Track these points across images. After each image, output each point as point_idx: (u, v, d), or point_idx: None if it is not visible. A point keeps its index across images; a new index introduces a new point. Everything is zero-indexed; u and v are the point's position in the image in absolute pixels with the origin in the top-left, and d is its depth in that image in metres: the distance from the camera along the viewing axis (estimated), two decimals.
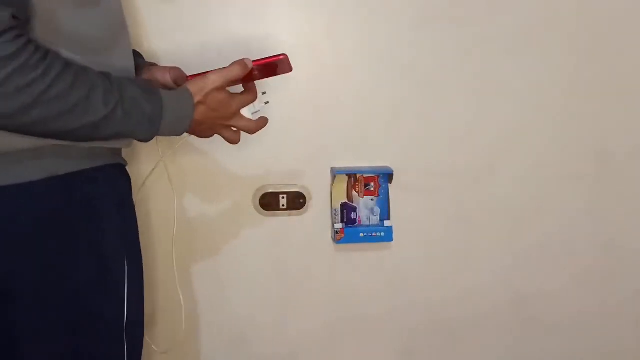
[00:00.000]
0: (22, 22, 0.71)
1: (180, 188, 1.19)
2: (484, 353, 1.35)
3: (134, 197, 0.97)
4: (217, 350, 1.28)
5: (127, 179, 0.95)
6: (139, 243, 0.96)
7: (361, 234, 1.26)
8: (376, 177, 1.26)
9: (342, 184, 1.26)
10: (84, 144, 0.81)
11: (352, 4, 1.20)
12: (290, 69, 0.96)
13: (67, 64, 0.74)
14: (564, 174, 1.30)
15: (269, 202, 1.25)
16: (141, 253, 0.96)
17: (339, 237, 1.25)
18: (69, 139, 0.78)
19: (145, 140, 0.84)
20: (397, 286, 1.30)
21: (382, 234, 1.26)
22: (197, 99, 0.88)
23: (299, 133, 1.22)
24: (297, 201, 1.26)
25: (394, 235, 1.26)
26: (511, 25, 1.24)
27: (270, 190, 1.24)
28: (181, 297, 1.14)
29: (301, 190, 1.25)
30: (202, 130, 0.94)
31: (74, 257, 0.81)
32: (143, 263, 0.97)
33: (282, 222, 1.26)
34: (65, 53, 0.77)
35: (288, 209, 1.26)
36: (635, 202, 1.32)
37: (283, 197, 1.25)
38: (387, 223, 1.26)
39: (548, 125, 1.28)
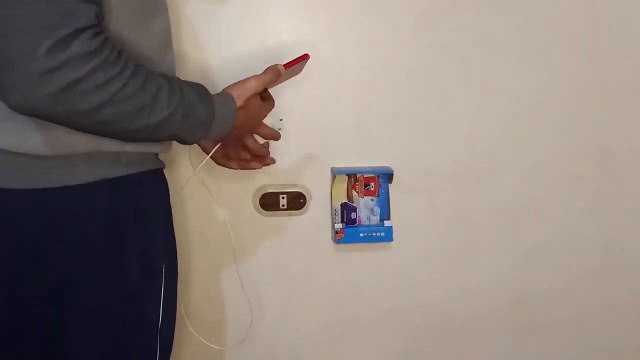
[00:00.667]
0: (100, 21, 0.72)
1: (177, 188, 1.19)
2: (484, 353, 1.35)
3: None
4: (217, 350, 1.27)
5: (166, 183, 0.96)
6: (176, 247, 0.97)
7: (361, 234, 1.26)
8: (376, 177, 1.26)
9: (342, 184, 1.26)
10: (131, 148, 0.81)
11: (352, 4, 1.20)
12: (301, 70, 0.98)
13: (138, 64, 0.75)
14: (564, 174, 1.30)
15: (269, 202, 1.25)
16: (177, 257, 0.97)
17: (339, 237, 1.25)
18: (125, 139, 0.79)
19: (192, 143, 0.86)
20: (397, 286, 1.30)
21: (382, 234, 1.26)
22: (238, 103, 0.90)
23: (299, 133, 1.22)
24: (297, 201, 1.26)
25: (394, 235, 1.26)
26: (512, 26, 1.24)
27: (270, 190, 1.24)
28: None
29: (301, 190, 1.25)
30: (235, 135, 0.95)
31: (123, 258, 0.82)
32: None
33: (282, 222, 1.26)
34: None
35: (288, 209, 1.26)
36: (636, 202, 1.32)
37: (283, 197, 1.25)
38: (387, 223, 1.26)
39: (549, 126, 1.28)
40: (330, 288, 1.29)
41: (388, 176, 1.26)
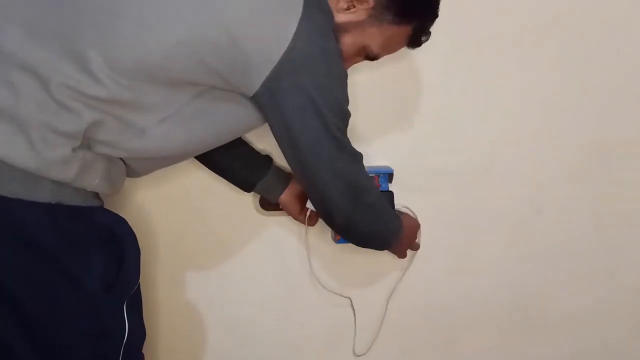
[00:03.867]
0: None
1: (178, 188, 1.19)
2: (484, 354, 1.35)
3: None
4: (217, 350, 1.27)
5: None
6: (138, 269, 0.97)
7: None
8: (376, 176, 1.26)
9: None
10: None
11: None
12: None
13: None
14: (565, 174, 1.30)
15: (269, 201, 1.24)
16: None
17: (338, 237, 1.25)
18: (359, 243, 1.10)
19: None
20: (396, 286, 1.30)
21: None
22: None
23: None
24: None
25: None
26: (512, 26, 1.24)
27: None
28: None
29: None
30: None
31: (84, 276, 0.85)
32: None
33: (282, 222, 1.26)
34: None
35: None
36: (636, 202, 1.32)
37: None
38: None
39: (549, 126, 1.29)
40: (330, 288, 1.29)
41: (388, 176, 1.26)
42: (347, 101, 0.94)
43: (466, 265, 1.31)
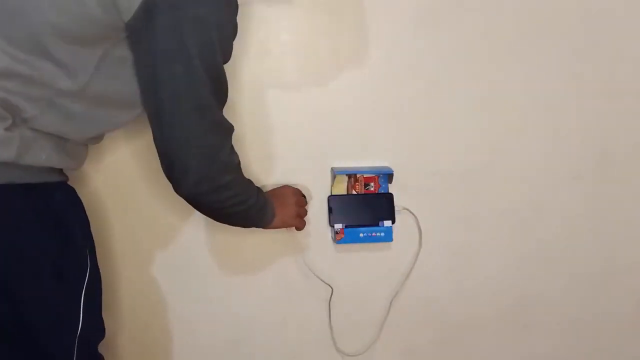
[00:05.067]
0: None
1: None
2: (484, 353, 1.35)
3: None
4: (217, 350, 1.27)
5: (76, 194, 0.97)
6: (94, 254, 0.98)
7: (361, 234, 1.26)
8: (376, 177, 1.26)
9: (342, 184, 1.26)
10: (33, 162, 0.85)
11: (352, 4, 1.20)
12: None
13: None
14: (564, 175, 1.30)
15: None
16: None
17: (339, 237, 1.25)
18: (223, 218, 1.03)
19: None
20: (397, 286, 1.30)
21: (382, 234, 1.26)
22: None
23: (299, 133, 1.22)
24: None
25: (394, 235, 1.26)
26: (512, 26, 1.24)
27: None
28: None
29: (301, 190, 1.25)
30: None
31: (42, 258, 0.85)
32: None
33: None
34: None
35: None
36: (636, 202, 1.32)
37: None
38: (386, 223, 1.26)
39: (548, 126, 1.28)
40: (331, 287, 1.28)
41: (388, 176, 1.26)
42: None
43: (466, 265, 1.31)
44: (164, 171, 0.91)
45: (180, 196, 0.93)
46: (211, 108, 0.89)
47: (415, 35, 1.22)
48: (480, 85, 1.25)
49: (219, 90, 0.91)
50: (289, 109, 1.21)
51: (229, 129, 0.95)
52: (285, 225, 1.16)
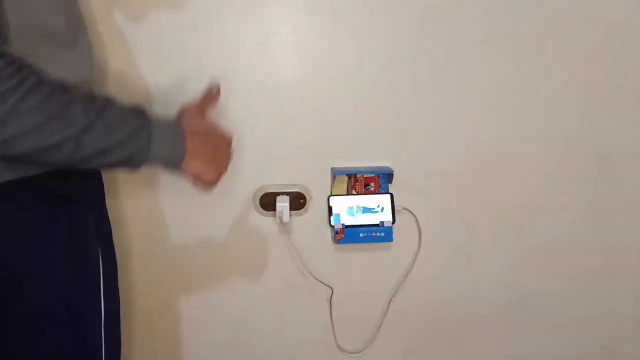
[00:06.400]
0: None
1: (179, 187, 1.19)
2: (484, 353, 1.35)
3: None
4: (217, 351, 1.27)
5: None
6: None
7: (361, 234, 1.26)
8: (376, 177, 1.26)
9: (342, 184, 1.26)
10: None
11: (352, 4, 1.19)
12: None
13: (43, 78, 0.71)
14: (564, 175, 1.30)
15: (269, 202, 1.25)
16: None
17: (339, 237, 1.25)
18: (48, 160, 0.73)
19: (138, 163, 0.79)
20: (396, 286, 1.30)
21: (382, 234, 1.26)
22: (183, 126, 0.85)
23: (299, 133, 1.22)
24: (297, 201, 1.26)
25: (394, 236, 1.26)
26: (511, 26, 1.24)
27: (270, 191, 1.24)
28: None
29: (301, 191, 1.25)
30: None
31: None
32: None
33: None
34: (30, 43, 0.74)
35: (289, 209, 1.25)
36: (635, 203, 1.32)
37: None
38: (387, 223, 1.26)
39: (549, 127, 1.28)
40: (331, 288, 1.29)
41: (388, 176, 1.26)
42: None
43: (466, 265, 1.31)
44: None
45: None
46: None
47: (417, 35, 1.22)
48: (481, 85, 1.25)
49: None
50: (288, 109, 1.21)
51: None
52: (204, 171, 0.87)
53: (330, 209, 1.25)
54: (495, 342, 1.35)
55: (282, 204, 1.23)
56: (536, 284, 1.33)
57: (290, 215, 1.25)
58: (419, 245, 1.29)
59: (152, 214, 1.20)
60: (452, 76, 1.24)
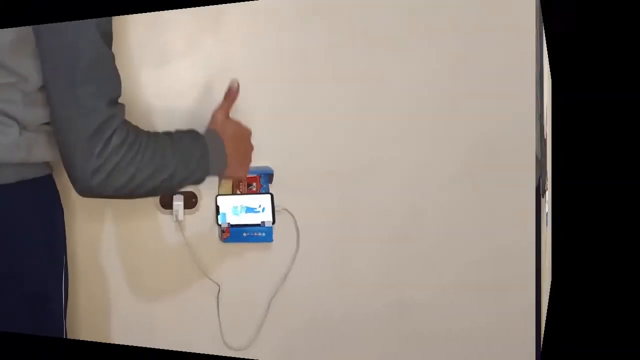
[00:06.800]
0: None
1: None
2: (360, 355, 1.27)
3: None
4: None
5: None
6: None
7: (244, 234, 1.29)
8: (258, 177, 1.28)
9: (229, 183, 1.30)
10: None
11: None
12: None
13: (146, 136, 1.00)
14: (444, 174, 1.21)
15: (167, 201, 1.31)
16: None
17: (225, 236, 1.29)
18: (157, 193, 1.16)
19: (202, 180, 1.10)
20: (277, 287, 1.29)
21: (263, 234, 1.28)
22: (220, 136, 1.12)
23: None
24: (190, 200, 1.32)
25: (275, 236, 1.27)
26: (392, 24, 1.21)
27: None
28: None
29: (194, 190, 1.31)
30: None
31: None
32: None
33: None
34: None
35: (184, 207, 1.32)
36: (522, 203, 1.18)
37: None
38: (267, 223, 1.27)
39: (430, 125, 1.21)
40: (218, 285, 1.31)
41: (268, 176, 1.27)
42: None
43: (343, 267, 1.26)
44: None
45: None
46: None
47: (294, 31, 1.23)
48: (360, 83, 1.23)
49: None
50: (178, 113, 1.27)
51: None
52: (240, 171, 1.19)
53: (217, 208, 1.29)
54: (372, 343, 1.26)
55: (177, 202, 1.30)
56: (414, 288, 1.23)
57: (184, 213, 1.31)
58: (297, 246, 1.27)
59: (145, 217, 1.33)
60: (332, 73, 1.23)
